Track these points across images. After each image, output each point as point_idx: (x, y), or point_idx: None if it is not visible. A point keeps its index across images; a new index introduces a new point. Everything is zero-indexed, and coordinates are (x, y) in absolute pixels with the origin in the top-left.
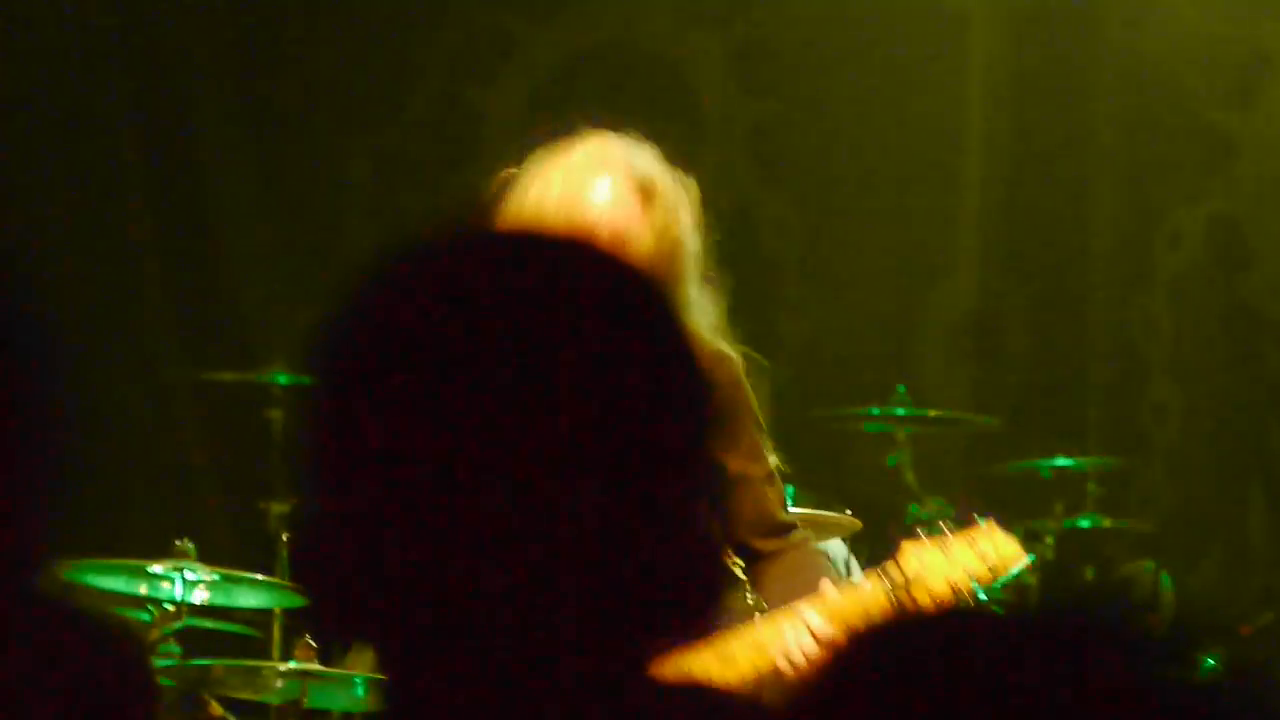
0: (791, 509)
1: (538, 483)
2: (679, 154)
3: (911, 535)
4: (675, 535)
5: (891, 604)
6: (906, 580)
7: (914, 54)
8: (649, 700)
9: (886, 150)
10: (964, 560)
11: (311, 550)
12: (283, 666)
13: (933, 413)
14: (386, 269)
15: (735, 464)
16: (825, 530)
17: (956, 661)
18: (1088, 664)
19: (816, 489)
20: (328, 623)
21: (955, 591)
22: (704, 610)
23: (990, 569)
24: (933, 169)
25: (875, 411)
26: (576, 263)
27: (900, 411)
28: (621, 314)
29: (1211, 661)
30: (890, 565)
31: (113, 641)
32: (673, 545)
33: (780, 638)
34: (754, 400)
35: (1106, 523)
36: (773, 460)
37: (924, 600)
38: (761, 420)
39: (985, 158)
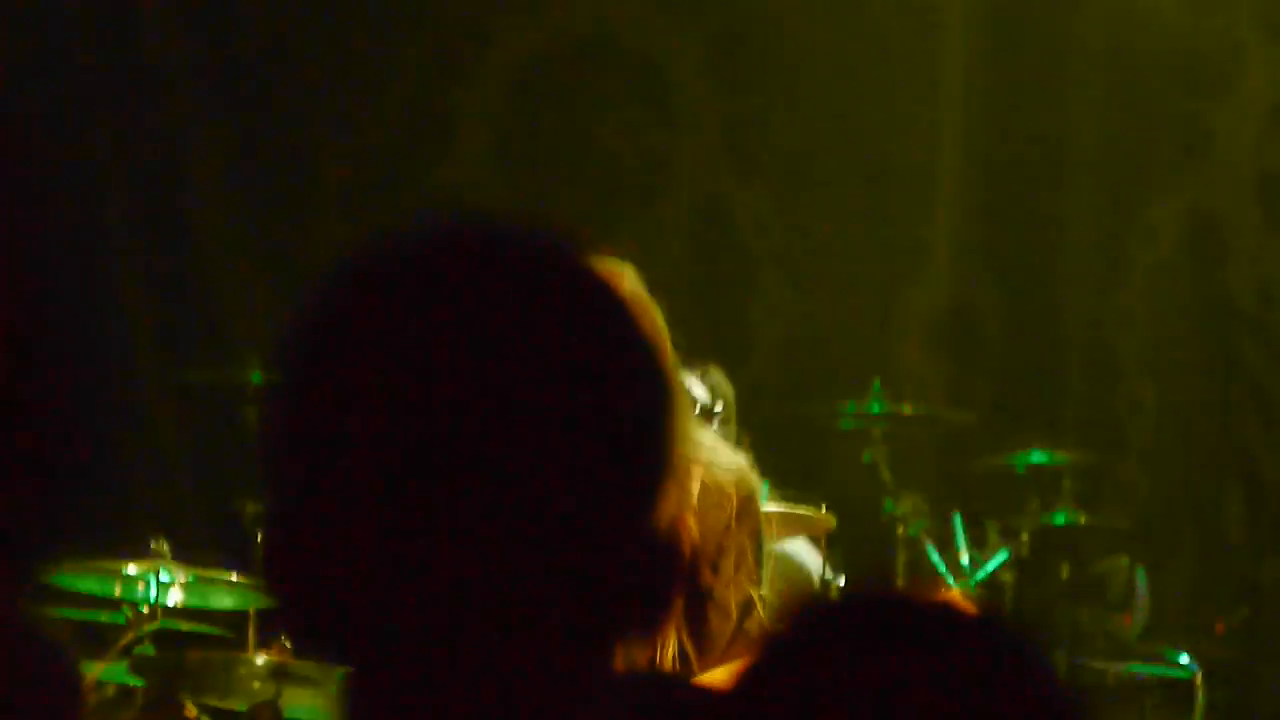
0: (766, 505)
1: (504, 477)
2: (655, 149)
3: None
4: (638, 528)
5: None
6: None
7: (890, 48)
8: (613, 690)
9: (863, 145)
10: None
11: (278, 548)
12: (258, 659)
13: (908, 409)
14: (355, 265)
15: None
16: (798, 527)
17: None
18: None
19: (791, 485)
20: (296, 620)
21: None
22: (665, 604)
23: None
24: (909, 164)
25: (851, 407)
26: (557, 267)
27: (875, 407)
28: (593, 316)
29: (1184, 658)
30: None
31: (38, 645)
32: (636, 537)
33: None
34: (759, 529)
35: (1082, 518)
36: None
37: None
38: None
39: (961, 152)
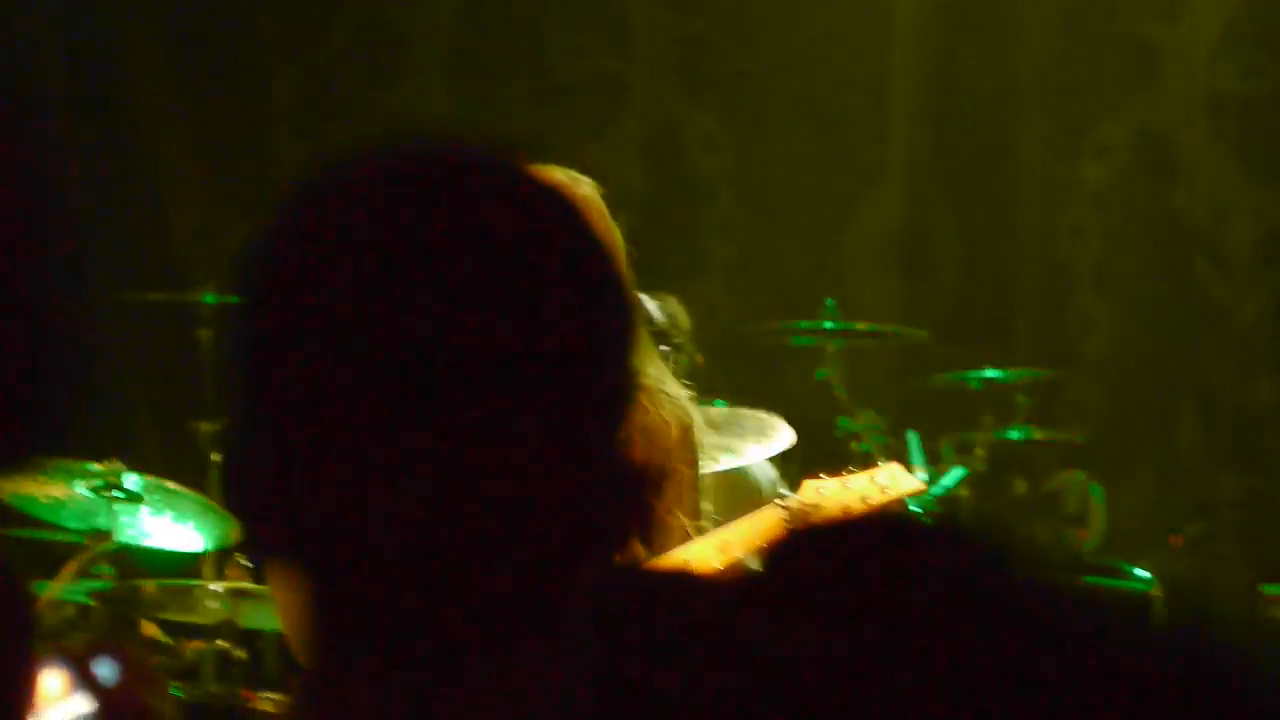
0: (721, 407)
1: (467, 395)
2: (607, 71)
3: (841, 450)
4: (600, 462)
5: (784, 530)
6: (804, 508)
7: None
8: (580, 625)
9: (813, 65)
10: (861, 490)
11: (241, 470)
12: (215, 585)
13: (861, 326)
14: (309, 187)
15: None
16: (754, 435)
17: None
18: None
19: (747, 404)
20: (258, 542)
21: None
22: (628, 521)
23: (889, 498)
24: (859, 84)
25: (804, 325)
26: (510, 179)
27: (829, 325)
28: (552, 238)
29: (1141, 572)
30: (790, 496)
31: None
32: (597, 471)
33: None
34: (697, 460)
35: (1037, 434)
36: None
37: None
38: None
39: (912, 71)
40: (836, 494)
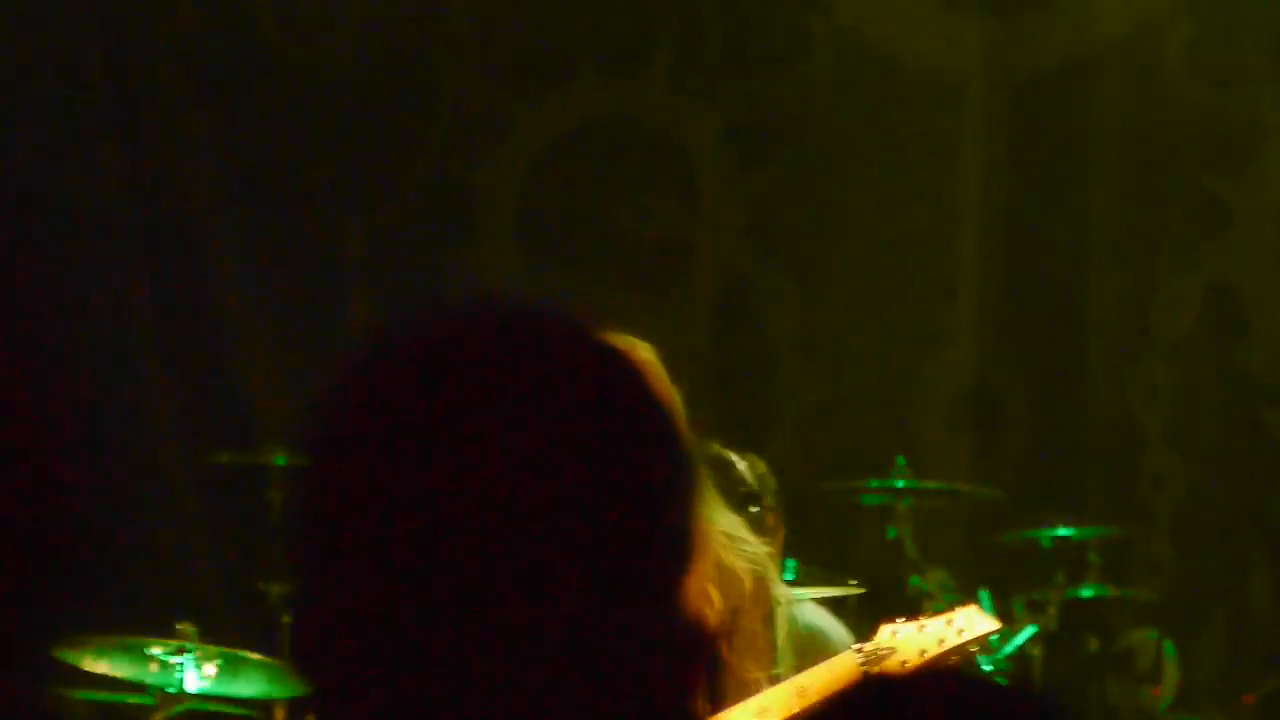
0: (796, 589)
1: (529, 561)
2: (675, 231)
3: (913, 609)
4: (667, 602)
5: (865, 675)
6: (880, 653)
7: (911, 123)
8: None
9: (884, 221)
10: (937, 632)
11: (308, 629)
12: None
13: (932, 484)
14: (380, 349)
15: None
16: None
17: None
18: None
19: (819, 562)
20: (330, 705)
21: (927, 661)
22: (691, 678)
23: (964, 640)
24: (930, 239)
25: (875, 484)
26: (573, 343)
27: (900, 483)
28: (613, 399)
29: None
30: (866, 642)
31: None
32: (664, 612)
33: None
34: (772, 611)
35: (1109, 592)
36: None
37: (895, 670)
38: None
39: (982, 227)
40: (912, 638)
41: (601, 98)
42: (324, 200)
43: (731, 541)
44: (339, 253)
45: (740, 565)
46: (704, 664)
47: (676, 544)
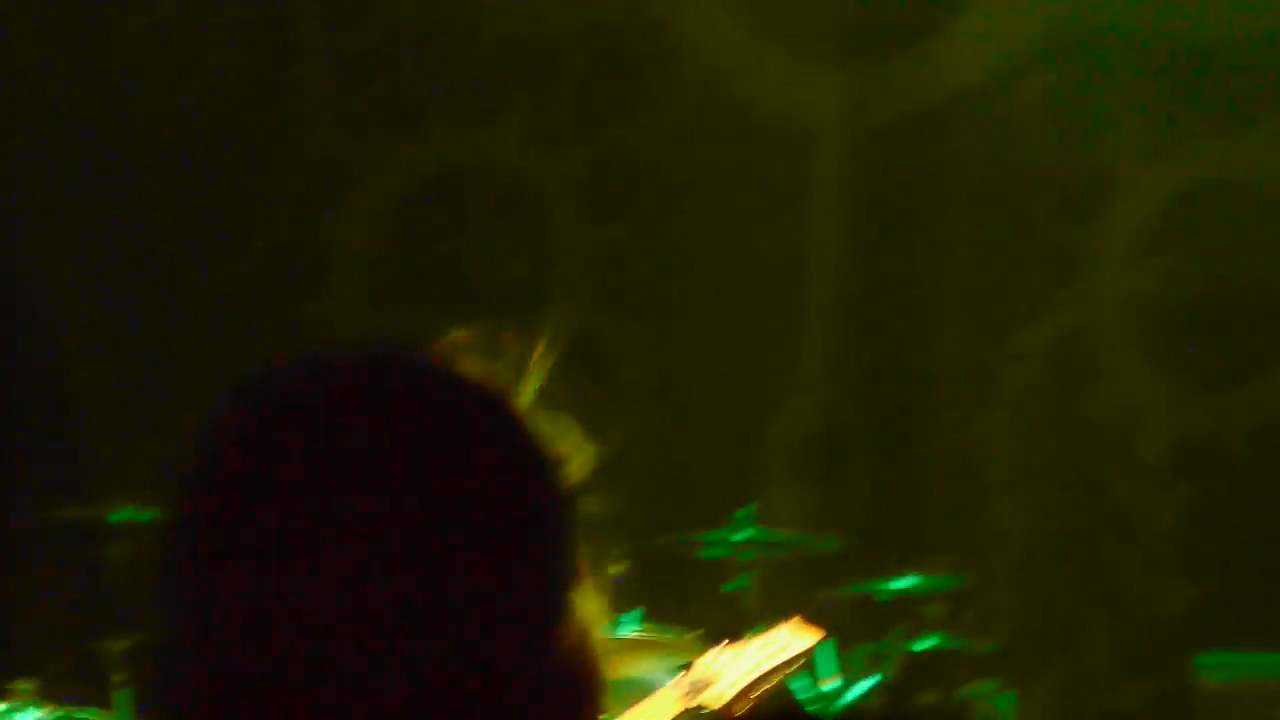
0: (634, 633)
1: (401, 609)
2: (524, 279)
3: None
4: (543, 646)
5: (685, 706)
6: (700, 683)
7: (763, 172)
8: None
9: (733, 270)
10: (755, 656)
11: (166, 683)
12: None
13: (774, 536)
14: (240, 402)
15: None
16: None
17: None
18: None
19: (658, 615)
20: None
21: (746, 689)
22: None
23: (783, 660)
24: (780, 289)
25: (714, 536)
26: (444, 387)
27: (741, 535)
28: (478, 431)
29: None
30: (686, 671)
31: None
32: (542, 657)
33: None
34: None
35: (949, 643)
36: None
37: (712, 701)
38: None
39: (832, 276)
40: (730, 665)
41: (451, 145)
42: (172, 253)
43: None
44: (189, 305)
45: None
46: (588, 706)
47: (557, 582)
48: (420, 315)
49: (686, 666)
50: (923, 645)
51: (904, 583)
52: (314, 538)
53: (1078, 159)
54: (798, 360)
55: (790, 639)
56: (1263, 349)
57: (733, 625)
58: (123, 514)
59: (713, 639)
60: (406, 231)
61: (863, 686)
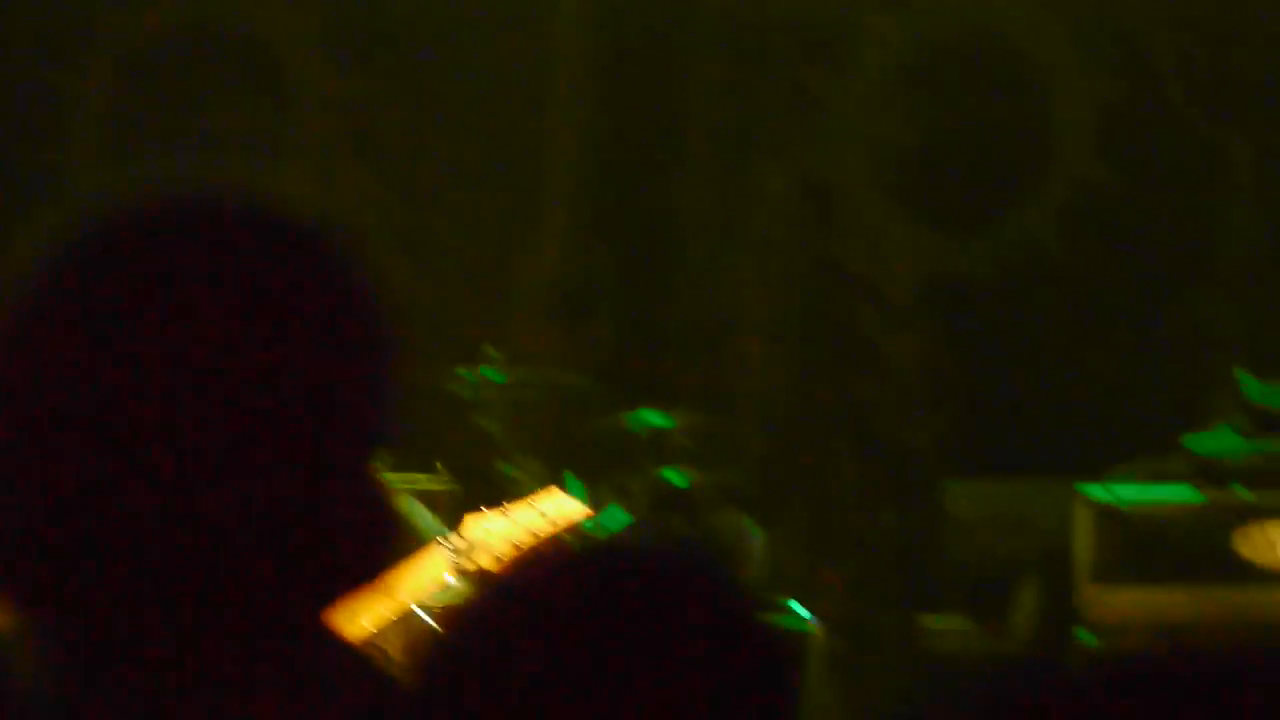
0: (387, 476)
1: (208, 444)
2: (269, 134)
3: (497, 501)
4: (349, 490)
5: (453, 570)
6: (468, 547)
7: (507, 20)
8: (319, 653)
9: (479, 118)
10: (526, 521)
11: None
12: None
13: (523, 373)
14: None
15: None
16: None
17: (529, 605)
18: (675, 598)
19: (408, 453)
20: (24, 604)
21: (519, 551)
22: (380, 560)
23: (554, 525)
24: (526, 134)
25: (464, 373)
26: (265, 233)
27: (490, 373)
28: (294, 271)
29: (800, 610)
30: (453, 535)
31: None
32: (347, 500)
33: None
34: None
35: (696, 476)
36: None
37: (487, 564)
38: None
39: (578, 120)
40: (501, 529)
41: (193, 1)
42: None
43: None
44: None
45: None
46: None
47: (368, 417)
48: (160, 170)
49: (455, 525)
50: (670, 477)
51: (652, 417)
52: (133, 369)
53: (818, 5)
54: (545, 203)
55: (560, 506)
56: (1001, 191)
57: (482, 462)
58: None
59: (463, 477)
60: (145, 86)
61: (611, 517)
